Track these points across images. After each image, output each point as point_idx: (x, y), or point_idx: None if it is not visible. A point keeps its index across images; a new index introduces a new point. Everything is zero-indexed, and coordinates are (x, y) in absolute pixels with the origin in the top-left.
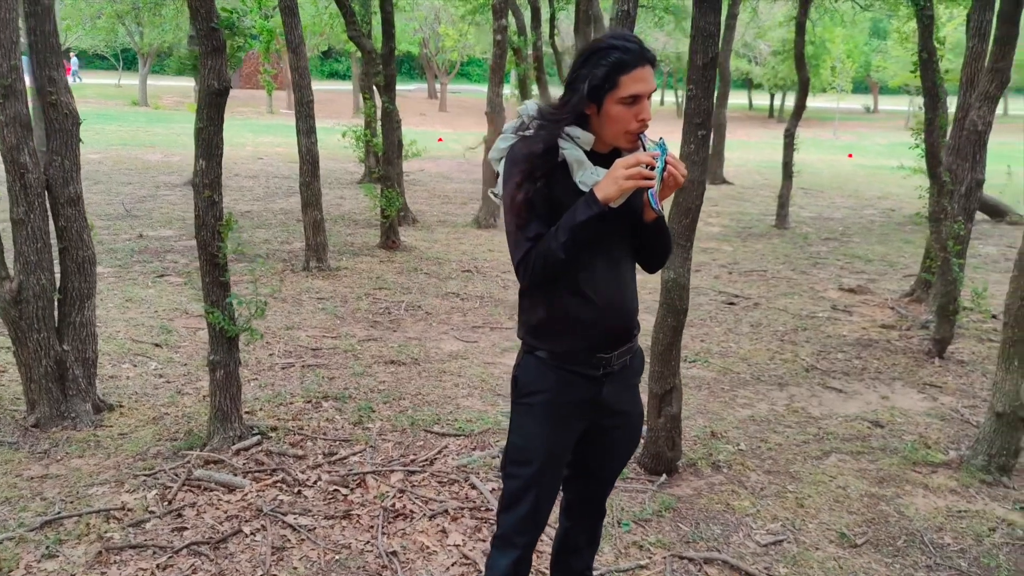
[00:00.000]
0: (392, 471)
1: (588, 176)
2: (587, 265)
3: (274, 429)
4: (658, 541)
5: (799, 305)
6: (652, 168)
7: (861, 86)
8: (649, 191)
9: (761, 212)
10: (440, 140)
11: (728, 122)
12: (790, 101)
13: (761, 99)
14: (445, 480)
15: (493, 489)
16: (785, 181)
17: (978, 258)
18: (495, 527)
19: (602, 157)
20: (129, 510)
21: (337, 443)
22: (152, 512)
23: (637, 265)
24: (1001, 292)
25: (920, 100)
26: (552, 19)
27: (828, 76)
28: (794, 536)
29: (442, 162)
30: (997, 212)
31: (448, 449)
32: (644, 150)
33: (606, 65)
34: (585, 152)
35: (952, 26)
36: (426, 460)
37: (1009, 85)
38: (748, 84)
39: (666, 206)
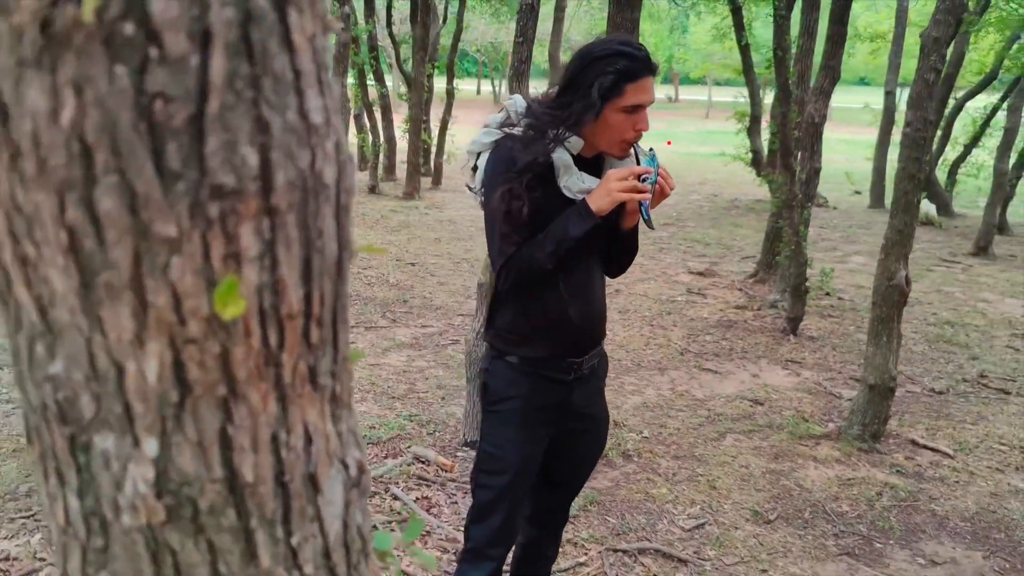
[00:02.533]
0: None
1: (574, 182)
2: (565, 270)
3: None
4: (590, 536)
5: (657, 290)
6: (644, 180)
7: (663, 77)
8: (643, 203)
9: None
10: None
11: None
12: None
13: None
14: None
15: (417, 498)
16: None
17: None
18: (464, 540)
19: (587, 162)
20: (15, 559)
21: None
22: (43, 560)
23: None
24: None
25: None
26: (388, 8)
27: None
28: (713, 518)
29: None
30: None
31: None
32: (636, 159)
33: (613, 72)
34: (572, 156)
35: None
36: None
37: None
38: None
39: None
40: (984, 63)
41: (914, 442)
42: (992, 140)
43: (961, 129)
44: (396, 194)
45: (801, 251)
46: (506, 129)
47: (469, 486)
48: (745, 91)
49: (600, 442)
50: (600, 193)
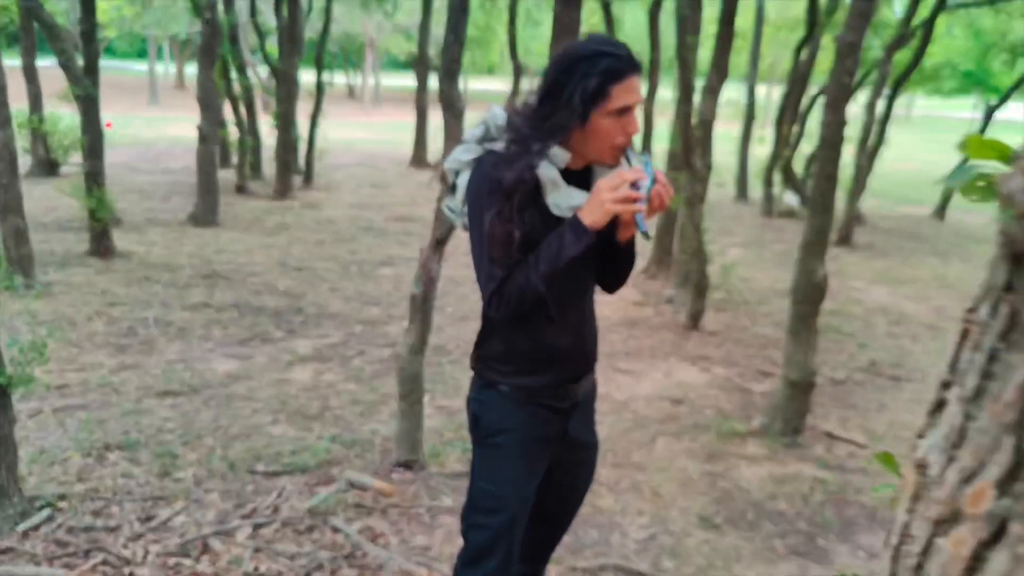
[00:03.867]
0: (235, 528)
1: (562, 199)
2: (559, 293)
3: (62, 497)
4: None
5: None
6: (638, 187)
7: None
8: (638, 214)
9: None
10: (109, 125)
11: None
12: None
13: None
14: (301, 528)
15: (360, 529)
16: None
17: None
18: None
19: (575, 175)
20: None
21: (150, 503)
22: None
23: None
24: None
25: None
26: None
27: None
28: (664, 527)
29: (120, 151)
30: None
31: (287, 491)
32: (629, 165)
33: (596, 74)
34: (559, 170)
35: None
36: (268, 508)
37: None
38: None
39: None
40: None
41: (830, 434)
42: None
43: (816, 124)
44: (266, 193)
45: (702, 249)
46: (486, 145)
47: (410, 514)
48: None
49: (592, 469)
50: (592, 206)
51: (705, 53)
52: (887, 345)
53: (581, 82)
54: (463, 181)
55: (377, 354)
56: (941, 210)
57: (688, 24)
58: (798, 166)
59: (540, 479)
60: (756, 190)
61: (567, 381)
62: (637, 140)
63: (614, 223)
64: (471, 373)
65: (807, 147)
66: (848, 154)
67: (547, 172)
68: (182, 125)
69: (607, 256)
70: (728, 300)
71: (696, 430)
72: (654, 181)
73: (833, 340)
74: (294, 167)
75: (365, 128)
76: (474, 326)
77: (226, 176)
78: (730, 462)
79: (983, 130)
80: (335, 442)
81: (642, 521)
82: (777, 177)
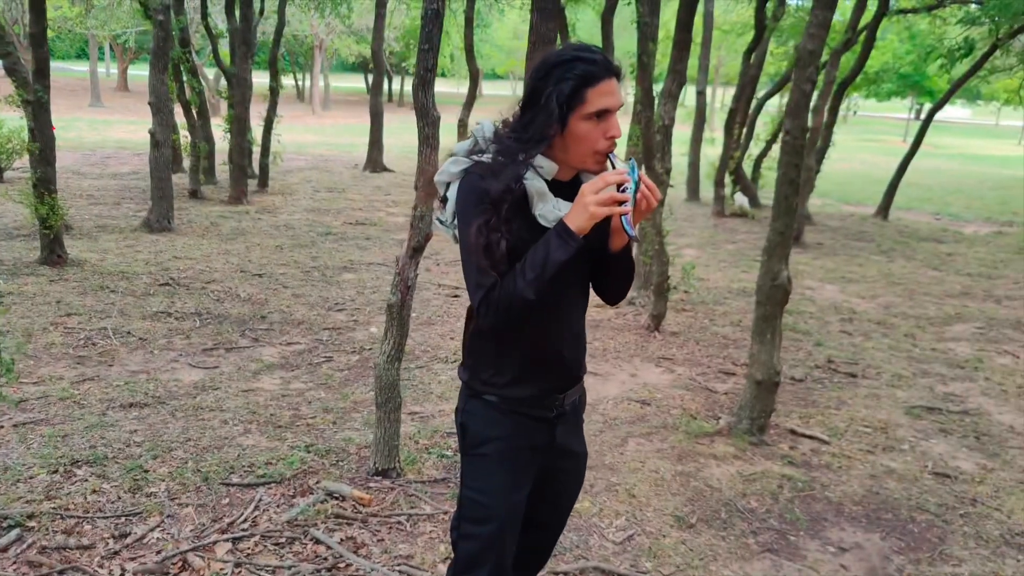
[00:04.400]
0: (213, 543)
1: (549, 210)
2: (548, 302)
3: (31, 516)
4: None
5: None
6: (623, 189)
7: (464, 72)
8: (624, 217)
9: None
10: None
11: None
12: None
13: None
14: (281, 540)
15: (341, 540)
16: None
17: None
18: None
19: (564, 186)
20: None
21: (123, 520)
22: None
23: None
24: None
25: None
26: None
27: (448, 63)
28: (640, 528)
29: (64, 155)
30: None
31: (263, 502)
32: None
33: (571, 79)
34: (547, 182)
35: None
36: (246, 521)
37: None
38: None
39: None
40: (780, 66)
41: (793, 431)
42: None
43: (763, 127)
44: (220, 198)
45: (664, 251)
46: (474, 157)
47: (390, 522)
48: None
49: (581, 478)
50: (577, 210)
51: (660, 58)
52: (841, 342)
53: (556, 86)
54: (453, 192)
55: (345, 360)
56: (884, 209)
57: (647, 30)
58: (748, 167)
59: (529, 488)
60: (707, 191)
61: (554, 391)
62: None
63: (606, 232)
64: (441, 378)
65: (756, 148)
66: None
67: (534, 183)
68: (128, 128)
69: (604, 267)
70: (687, 300)
71: (665, 430)
72: (639, 184)
73: (790, 339)
74: (249, 171)
75: (316, 131)
76: (440, 330)
77: (178, 181)
78: (700, 462)
79: (923, 131)
80: (309, 451)
81: (619, 523)
82: (728, 178)
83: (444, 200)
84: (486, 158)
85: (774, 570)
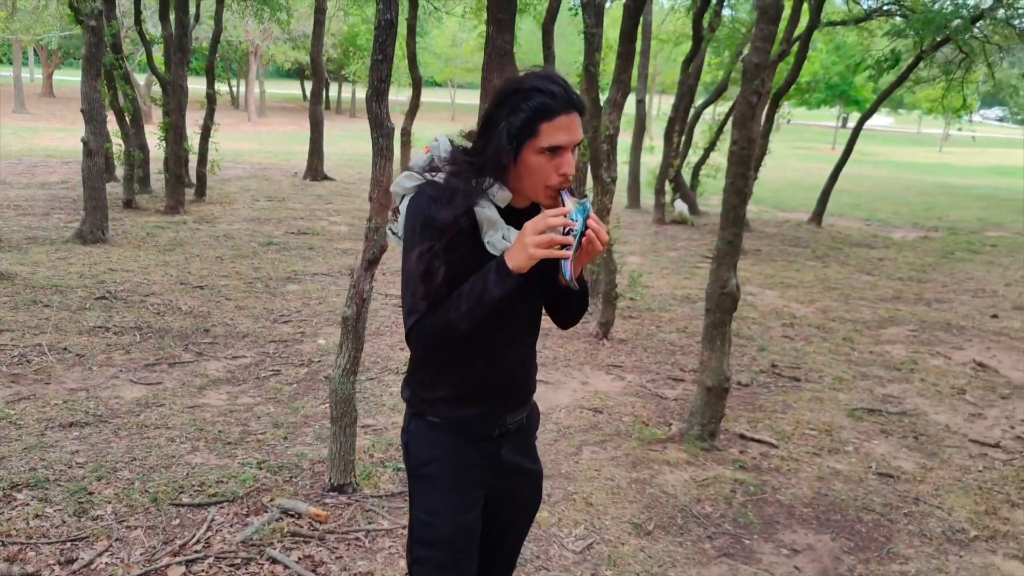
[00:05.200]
0: (165, 566)
1: (498, 239)
2: (487, 330)
3: None
4: None
5: None
6: (569, 231)
7: (404, 80)
8: (563, 261)
9: None
10: None
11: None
12: (354, 93)
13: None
14: (237, 562)
15: (299, 559)
16: None
17: None
18: None
19: (519, 213)
20: None
21: (69, 545)
22: None
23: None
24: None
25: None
26: (137, 4)
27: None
28: (599, 536)
29: None
30: None
31: (216, 522)
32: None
33: (526, 110)
34: (500, 208)
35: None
36: (199, 542)
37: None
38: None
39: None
40: (717, 75)
41: (743, 436)
42: (727, 143)
43: (700, 135)
44: (156, 208)
45: (611, 259)
46: (428, 175)
47: (348, 539)
48: None
49: (536, 497)
50: (516, 249)
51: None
52: (784, 347)
53: (509, 117)
54: (404, 216)
55: (294, 373)
56: (818, 216)
57: (594, 40)
58: (686, 174)
59: (479, 508)
60: (647, 198)
61: (496, 414)
62: None
63: (555, 264)
64: (392, 390)
65: (694, 156)
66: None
67: (485, 212)
68: (56, 136)
69: (556, 296)
70: (633, 308)
71: (618, 438)
72: (586, 227)
73: (735, 344)
74: (185, 180)
75: (253, 139)
76: (389, 341)
77: (111, 190)
78: (654, 468)
79: (854, 139)
80: (261, 468)
81: (578, 532)
82: (668, 186)
83: (397, 212)
84: (439, 177)
85: (731, 574)
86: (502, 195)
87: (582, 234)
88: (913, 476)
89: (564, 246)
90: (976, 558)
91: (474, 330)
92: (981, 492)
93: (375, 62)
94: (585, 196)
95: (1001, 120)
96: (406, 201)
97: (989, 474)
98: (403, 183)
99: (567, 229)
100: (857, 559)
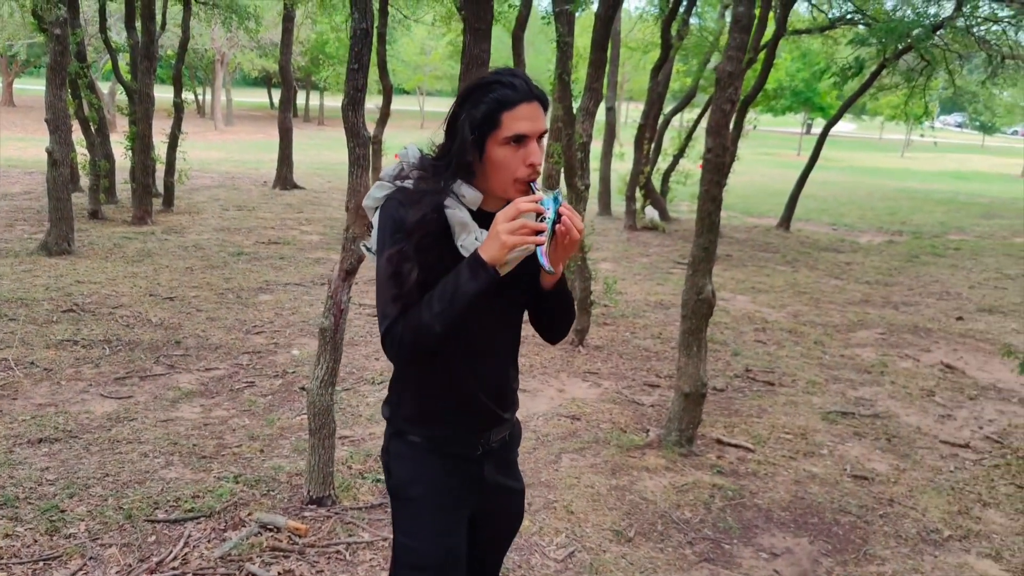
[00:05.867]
0: None
1: (471, 242)
2: (466, 339)
3: None
4: None
5: None
6: (541, 219)
7: (374, 87)
8: (537, 248)
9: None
10: None
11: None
12: (322, 101)
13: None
14: None
15: (279, 574)
16: None
17: None
18: None
19: (491, 217)
20: None
21: (42, 565)
22: None
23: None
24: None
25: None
26: (103, 11)
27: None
28: (581, 544)
29: None
30: None
31: (193, 538)
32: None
33: (487, 102)
34: (472, 211)
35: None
36: (176, 559)
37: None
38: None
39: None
40: (685, 82)
41: (720, 441)
42: (696, 149)
43: (670, 142)
44: (123, 219)
45: (586, 267)
46: (398, 182)
47: (328, 552)
48: None
49: (518, 515)
50: (489, 240)
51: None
52: (757, 352)
53: (470, 111)
54: (376, 223)
55: (268, 385)
56: (786, 221)
57: (567, 48)
58: (656, 181)
59: (464, 528)
60: (618, 205)
61: (478, 431)
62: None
63: (536, 269)
64: (369, 400)
65: (664, 163)
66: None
67: (456, 213)
68: (18, 145)
69: (539, 305)
70: (607, 315)
71: (597, 445)
72: (558, 215)
73: (709, 350)
74: (152, 190)
75: (220, 148)
76: (364, 351)
77: (76, 201)
78: (633, 475)
79: (820, 146)
80: (238, 482)
81: (559, 540)
82: (638, 192)
83: (370, 227)
84: (408, 183)
85: None
86: (472, 196)
87: (555, 222)
88: (887, 478)
89: (538, 232)
90: (950, 557)
91: (448, 332)
92: (953, 492)
93: (351, 71)
94: (558, 190)
95: (960, 126)
96: (379, 212)
97: (960, 474)
98: (374, 194)
99: (539, 216)
100: (835, 561)
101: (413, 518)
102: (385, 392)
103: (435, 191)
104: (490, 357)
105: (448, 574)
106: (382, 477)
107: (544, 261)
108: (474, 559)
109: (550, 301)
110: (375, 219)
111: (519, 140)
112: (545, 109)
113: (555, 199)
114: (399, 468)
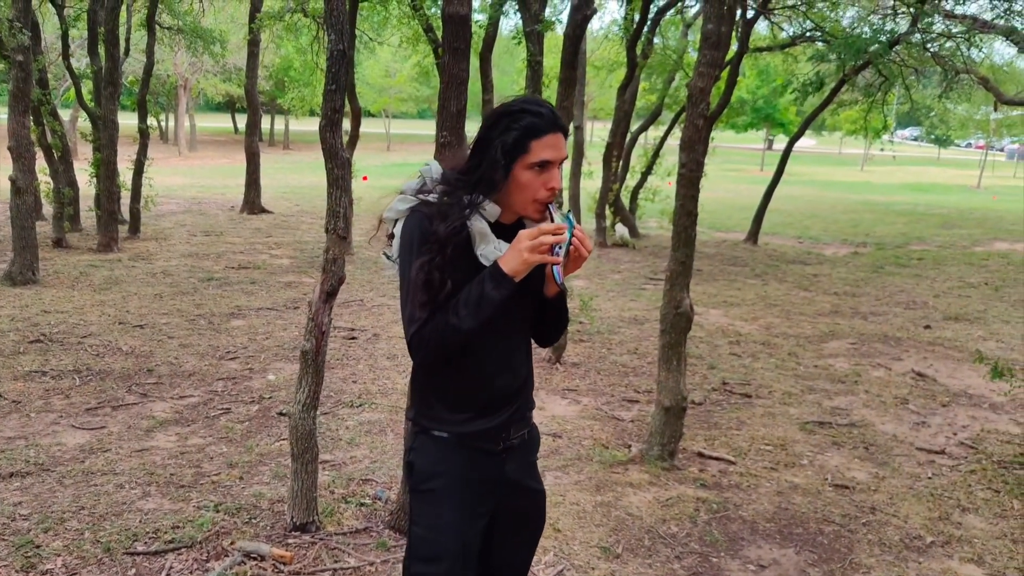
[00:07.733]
0: None
1: (490, 251)
2: (485, 341)
3: None
4: None
5: None
6: (558, 241)
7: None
8: (554, 266)
9: (317, 240)
10: None
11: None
12: (287, 125)
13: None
14: None
15: None
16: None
17: None
18: None
19: (506, 228)
20: None
21: None
22: None
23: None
24: None
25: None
26: (65, 37)
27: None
28: (569, 562)
29: None
30: None
31: (175, 570)
32: (552, 220)
33: (517, 129)
34: (489, 223)
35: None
36: None
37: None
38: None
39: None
40: (651, 100)
41: (701, 454)
42: (662, 166)
43: (637, 159)
44: (88, 246)
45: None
46: (421, 196)
47: None
48: None
49: (541, 517)
50: (512, 254)
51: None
52: (733, 364)
53: (502, 136)
54: (399, 230)
55: (245, 411)
56: (754, 235)
57: (538, 68)
58: (624, 198)
59: (483, 525)
60: (587, 222)
61: (500, 427)
62: None
63: (542, 278)
64: (348, 423)
65: (632, 180)
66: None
67: (477, 224)
68: None
69: (542, 311)
70: (583, 331)
71: (580, 462)
72: (572, 236)
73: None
74: (118, 217)
75: (185, 173)
76: (341, 374)
77: (39, 229)
78: (618, 491)
79: (784, 161)
80: (219, 510)
81: (548, 558)
82: (608, 210)
83: (391, 236)
84: (432, 197)
85: None
86: (492, 210)
87: (569, 243)
88: (867, 486)
89: (556, 252)
90: (934, 563)
91: (473, 335)
92: (933, 498)
93: (328, 92)
94: (570, 210)
95: (916, 139)
96: (400, 224)
97: (939, 480)
98: (397, 207)
99: (556, 236)
100: (822, 571)
101: (432, 510)
102: (365, 414)
103: (462, 206)
104: (509, 356)
105: (461, 567)
106: (366, 501)
107: (559, 276)
108: (502, 562)
109: (552, 308)
110: (397, 229)
111: (543, 165)
112: (565, 137)
113: (569, 221)
114: (422, 462)
